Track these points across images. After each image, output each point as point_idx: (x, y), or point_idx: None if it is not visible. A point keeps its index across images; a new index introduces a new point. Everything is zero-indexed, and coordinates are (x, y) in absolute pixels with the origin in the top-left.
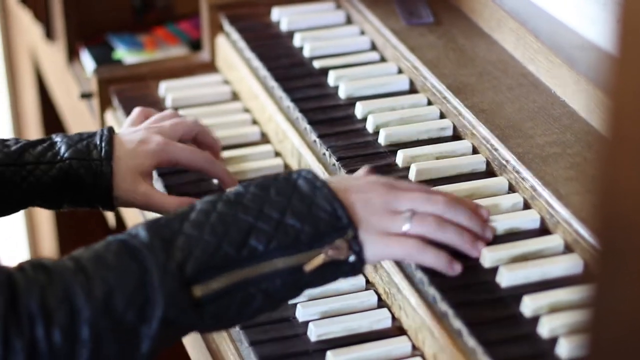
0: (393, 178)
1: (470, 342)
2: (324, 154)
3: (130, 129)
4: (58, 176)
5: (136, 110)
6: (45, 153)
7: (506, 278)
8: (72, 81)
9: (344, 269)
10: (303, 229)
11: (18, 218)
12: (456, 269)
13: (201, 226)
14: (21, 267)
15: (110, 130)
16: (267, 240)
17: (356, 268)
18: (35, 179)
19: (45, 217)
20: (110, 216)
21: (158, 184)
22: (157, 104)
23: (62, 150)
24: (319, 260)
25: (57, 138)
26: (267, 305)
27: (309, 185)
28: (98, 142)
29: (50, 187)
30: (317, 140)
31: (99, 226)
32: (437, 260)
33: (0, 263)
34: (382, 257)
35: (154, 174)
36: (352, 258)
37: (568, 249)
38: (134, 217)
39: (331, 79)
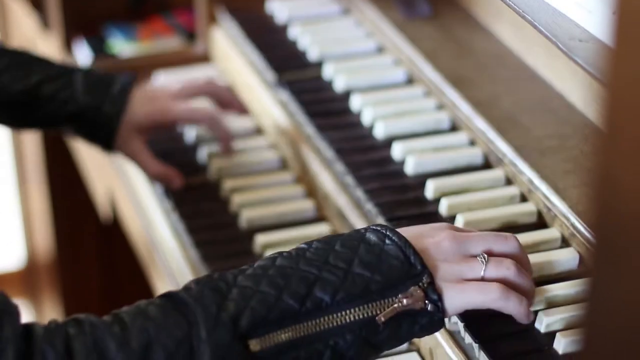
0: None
1: (467, 338)
2: (320, 146)
3: (151, 87)
4: (69, 116)
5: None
6: (60, 91)
7: None
8: None
9: (422, 321)
10: (373, 277)
11: (13, 212)
12: (530, 318)
13: (258, 279)
14: (50, 321)
15: (132, 80)
16: (333, 291)
17: (435, 320)
18: (46, 112)
19: (40, 211)
20: (103, 213)
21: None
22: None
23: (79, 92)
24: (393, 310)
25: (76, 76)
26: None
27: (378, 234)
28: (116, 94)
29: (60, 121)
30: (314, 132)
31: (94, 222)
32: (519, 308)
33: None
34: (461, 306)
35: None
36: (430, 307)
37: (565, 242)
38: (130, 218)
39: (328, 71)
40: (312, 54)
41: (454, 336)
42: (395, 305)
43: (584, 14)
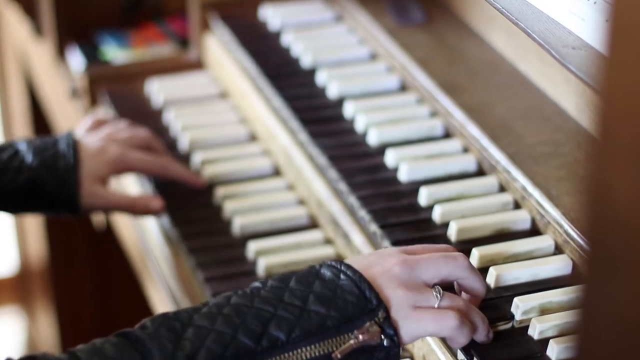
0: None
1: None
2: (314, 153)
3: (88, 136)
4: (25, 185)
5: (89, 119)
6: (12, 160)
7: (496, 279)
8: (60, 79)
9: (378, 355)
10: (329, 313)
11: (6, 218)
12: (491, 336)
13: (213, 317)
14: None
15: (72, 136)
16: (289, 329)
17: (392, 354)
18: (2, 185)
19: (33, 218)
20: (96, 219)
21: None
22: (146, 102)
23: (29, 159)
24: (349, 346)
25: (21, 146)
26: None
27: (332, 270)
28: (65, 151)
29: (17, 195)
30: (307, 139)
31: (87, 228)
32: (476, 335)
33: None
34: (418, 335)
35: None
36: (386, 342)
37: (558, 249)
38: (123, 224)
39: (321, 77)
40: (305, 61)
41: (446, 342)
42: (352, 341)
43: (577, 21)
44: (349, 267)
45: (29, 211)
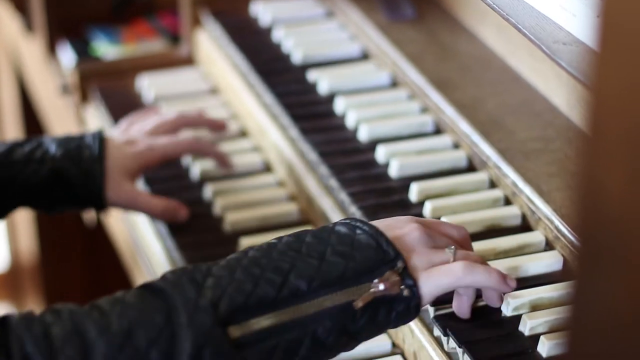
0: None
1: (451, 341)
2: (304, 149)
3: (117, 131)
4: (49, 176)
5: (123, 120)
6: (35, 152)
7: None
8: (51, 75)
9: (398, 307)
10: (348, 264)
11: None
12: (511, 284)
13: (233, 269)
14: (27, 311)
15: (101, 132)
16: (309, 279)
17: (411, 306)
18: (24, 179)
19: (24, 213)
20: (88, 215)
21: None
22: (137, 98)
23: (52, 149)
24: (370, 295)
25: (45, 139)
26: (316, 356)
27: (347, 226)
28: (90, 143)
29: (41, 187)
30: (298, 135)
31: (78, 224)
32: (489, 278)
33: None
34: (435, 290)
35: None
36: (406, 292)
37: (549, 245)
38: (114, 221)
39: (311, 74)
40: (296, 57)
41: (437, 339)
42: (372, 290)
43: (568, 17)
44: (364, 222)
45: (54, 206)
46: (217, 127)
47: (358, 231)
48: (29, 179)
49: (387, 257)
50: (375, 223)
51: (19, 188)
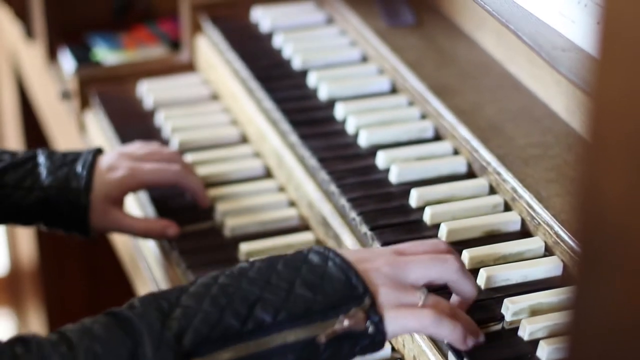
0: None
1: (451, 347)
2: (304, 155)
3: (107, 155)
4: (35, 203)
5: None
6: (26, 178)
7: (486, 280)
8: (51, 81)
9: (363, 342)
10: (315, 298)
11: None
12: (469, 344)
13: (201, 298)
14: None
15: (95, 155)
16: (275, 311)
17: (376, 341)
18: (12, 203)
19: None
20: None
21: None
22: (137, 104)
23: (43, 176)
24: (334, 331)
25: (41, 159)
26: None
27: (320, 256)
28: (79, 171)
29: (27, 212)
30: (298, 141)
31: None
32: (452, 334)
33: None
34: (400, 331)
35: None
36: (371, 329)
37: (548, 251)
38: None
39: (312, 79)
40: (296, 63)
41: (437, 344)
42: (337, 326)
43: (568, 23)
44: (337, 254)
45: (41, 225)
46: (199, 199)
47: (330, 263)
48: (18, 204)
49: (355, 292)
50: (347, 255)
51: (7, 209)
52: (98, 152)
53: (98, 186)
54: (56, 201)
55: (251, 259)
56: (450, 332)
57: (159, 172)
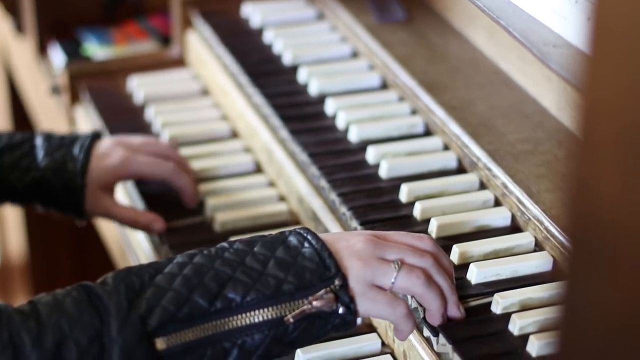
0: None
1: (441, 340)
2: (295, 150)
3: (105, 139)
4: (32, 183)
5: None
6: (22, 159)
7: (476, 275)
8: (41, 76)
9: (334, 321)
10: (286, 278)
11: None
12: (462, 312)
13: (173, 277)
14: None
15: (93, 139)
16: (244, 291)
17: (347, 320)
18: (8, 184)
19: (13, 212)
20: None
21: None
22: (127, 99)
23: (40, 157)
24: (301, 312)
25: (38, 141)
26: None
27: (298, 237)
28: (77, 153)
29: (23, 192)
30: (288, 136)
31: (68, 222)
32: (393, 312)
33: None
34: (370, 314)
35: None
36: (341, 310)
37: (539, 246)
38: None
39: (302, 75)
40: (287, 58)
41: (427, 339)
42: (305, 307)
43: (559, 19)
44: (314, 236)
45: (37, 207)
46: (187, 199)
47: (306, 244)
48: (13, 184)
49: (327, 274)
50: (325, 236)
51: (3, 190)
52: (96, 136)
53: (94, 172)
54: (52, 182)
55: (232, 238)
56: (411, 331)
57: (151, 165)
